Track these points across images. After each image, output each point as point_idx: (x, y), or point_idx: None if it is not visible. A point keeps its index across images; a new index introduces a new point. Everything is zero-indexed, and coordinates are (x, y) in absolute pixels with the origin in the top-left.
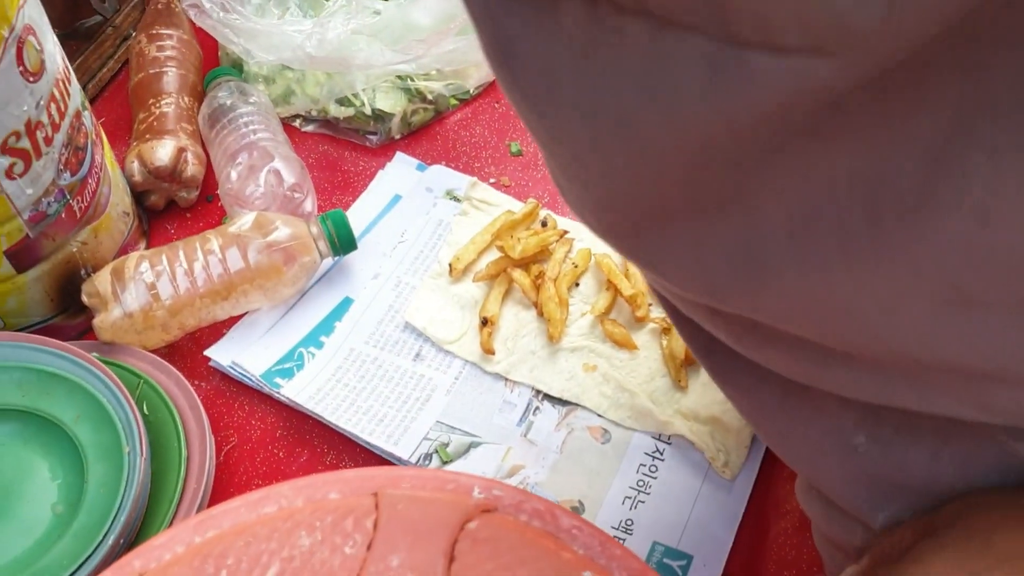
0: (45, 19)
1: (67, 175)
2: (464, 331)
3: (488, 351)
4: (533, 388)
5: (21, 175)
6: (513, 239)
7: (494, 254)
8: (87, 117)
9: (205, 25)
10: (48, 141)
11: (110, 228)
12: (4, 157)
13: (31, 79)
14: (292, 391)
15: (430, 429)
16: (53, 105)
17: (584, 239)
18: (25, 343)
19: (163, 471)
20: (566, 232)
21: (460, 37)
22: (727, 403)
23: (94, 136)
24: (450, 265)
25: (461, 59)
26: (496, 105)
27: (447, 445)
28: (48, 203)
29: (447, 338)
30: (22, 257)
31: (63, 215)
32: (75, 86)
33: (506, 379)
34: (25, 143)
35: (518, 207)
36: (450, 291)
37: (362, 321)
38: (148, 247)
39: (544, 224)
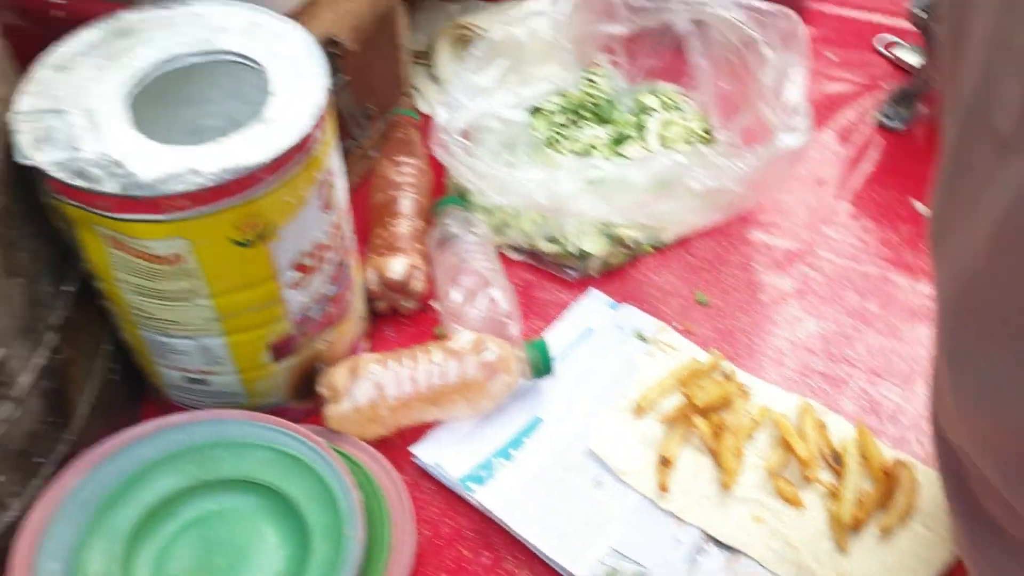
0: (340, 163)
1: (331, 286)
2: (643, 466)
3: (664, 488)
4: (702, 530)
5: (301, 286)
6: (697, 387)
7: (677, 397)
8: (349, 236)
9: (447, 163)
10: (326, 260)
11: (349, 330)
12: (293, 272)
13: (327, 211)
14: (484, 497)
15: (606, 555)
16: (336, 231)
17: (761, 395)
18: (272, 425)
19: (371, 558)
20: (745, 386)
21: (669, 201)
22: (889, 571)
23: (353, 252)
24: (637, 402)
25: (666, 218)
26: (687, 256)
27: (617, 572)
28: (313, 308)
29: (627, 470)
30: (281, 350)
31: (320, 319)
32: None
33: (678, 518)
34: (310, 261)
35: (701, 355)
36: (634, 426)
37: (550, 442)
38: (371, 347)
39: (726, 376)
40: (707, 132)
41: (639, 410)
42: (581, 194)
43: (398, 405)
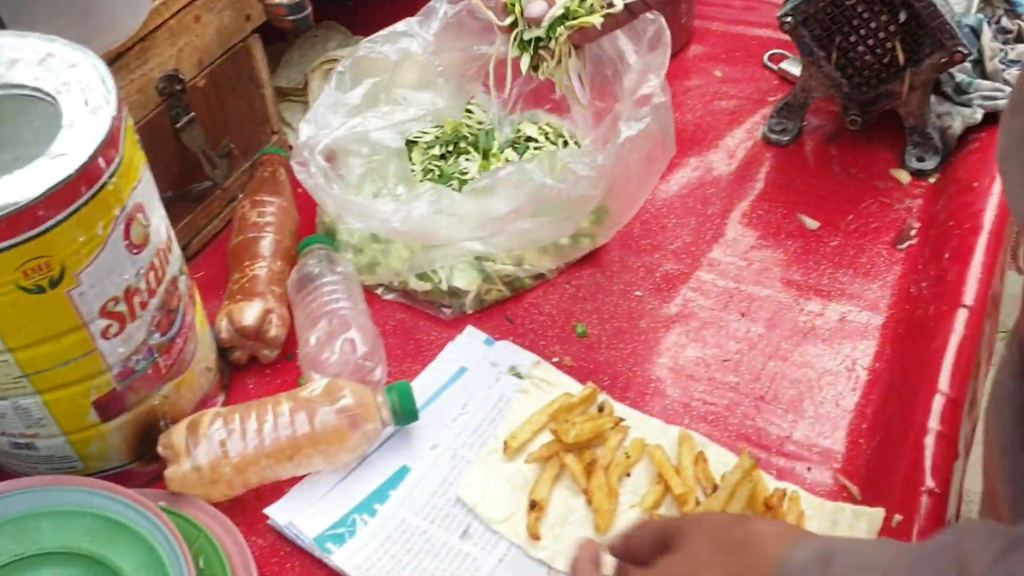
0: (155, 195)
1: (157, 335)
2: (513, 511)
3: (534, 536)
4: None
5: (115, 335)
6: (568, 423)
7: (548, 435)
8: (183, 281)
9: (307, 186)
10: (143, 305)
11: (192, 383)
12: (102, 320)
13: (135, 251)
14: (341, 558)
15: None
16: (152, 273)
17: (639, 429)
18: (98, 490)
19: None
20: (621, 420)
21: (533, 219)
22: None
23: (187, 298)
24: (505, 443)
25: (534, 239)
26: (567, 287)
27: None
28: (137, 360)
29: (496, 517)
30: (108, 408)
31: (149, 371)
32: (175, 253)
33: (549, 566)
34: (122, 307)
35: (578, 389)
36: (503, 469)
37: (416, 492)
38: (227, 400)
39: (601, 409)
40: None
41: (509, 451)
42: (437, 217)
43: (244, 463)
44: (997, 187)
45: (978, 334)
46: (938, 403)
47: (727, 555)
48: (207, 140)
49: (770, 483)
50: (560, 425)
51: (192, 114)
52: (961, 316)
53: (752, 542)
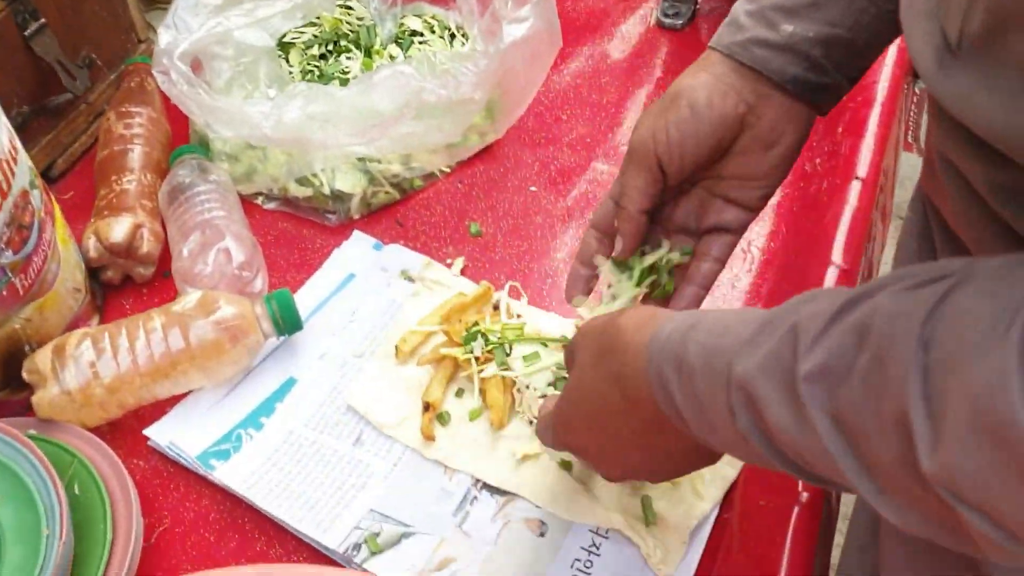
0: None
1: (9, 253)
2: (407, 416)
3: (428, 437)
4: (472, 477)
5: None
6: (461, 323)
7: (441, 336)
8: (36, 196)
9: (171, 95)
10: None
11: (58, 304)
12: None
13: None
14: (225, 474)
15: (362, 518)
16: None
17: (536, 324)
18: None
19: (87, 554)
20: (519, 316)
21: (417, 121)
22: (666, 498)
23: (43, 214)
24: (396, 347)
25: (419, 143)
26: (459, 186)
27: (378, 535)
28: None
29: (388, 422)
30: None
31: (4, 292)
32: (23, 165)
33: (445, 467)
34: None
35: (472, 289)
36: (396, 374)
37: (304, 403)
38: (101, 322)
39: (496, 308)
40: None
41: (401, 355)
42: (312, 122)
43: (116, 384)
44: (890, 58)
45: (871, 206)
46: (831, 275)
47: (605, 360)
48: (63, 49)
49: None
50: (452, 326)
51: (42, 20)
52: (854, 188)
53: (621, 336)
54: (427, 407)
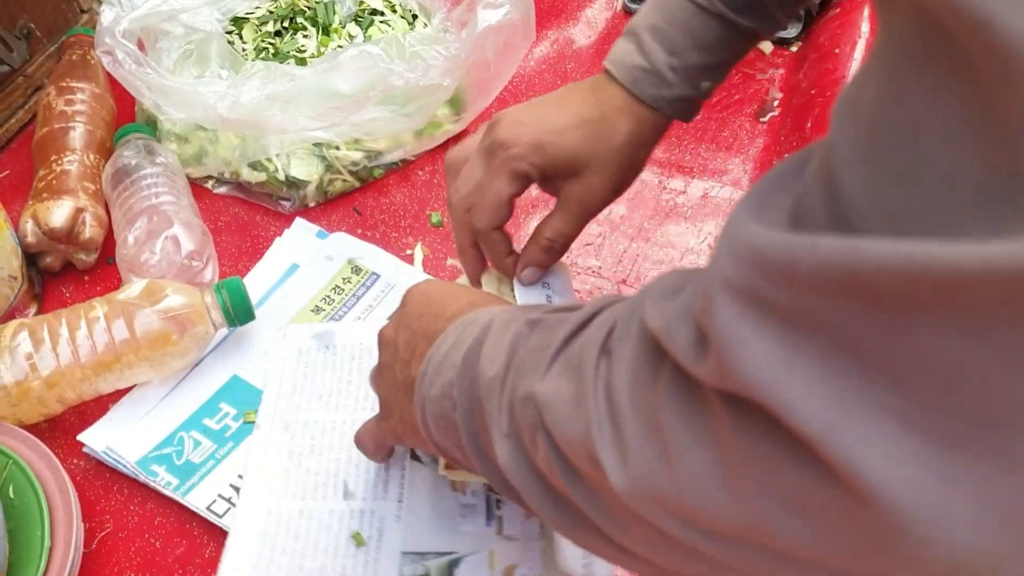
0: None
1: None
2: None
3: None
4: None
5: None
6: None
7: None
8: None
9: (118, 75)
10: None
11: None
12: None
13: None
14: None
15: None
16: None
17: None
18: None
19: (23, 562)
20: None
21: (380, 107)
22: None
23: None
24: None
25: (381, 129)
26: (421, 174)
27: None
28: None
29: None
30: None
31: None
32: None
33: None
34: None
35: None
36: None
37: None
38: (40, 312)
39: None
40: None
41: None
42: (271, 103)
43: (56, 378)
44: (859, 53)
45: None
46: None
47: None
48: None
49: None
50: None
51: None
52: None
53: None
54: None
